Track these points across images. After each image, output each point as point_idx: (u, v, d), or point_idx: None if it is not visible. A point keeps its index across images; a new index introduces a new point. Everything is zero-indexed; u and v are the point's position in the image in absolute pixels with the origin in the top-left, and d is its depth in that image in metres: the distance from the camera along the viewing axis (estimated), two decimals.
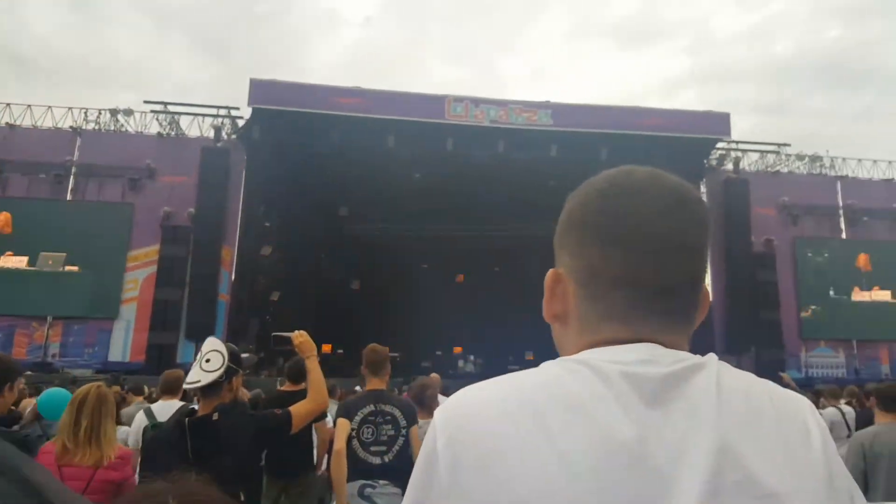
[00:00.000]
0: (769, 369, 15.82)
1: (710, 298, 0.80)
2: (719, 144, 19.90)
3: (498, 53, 68.35)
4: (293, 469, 4.69)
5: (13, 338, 18.61)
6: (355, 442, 3.62)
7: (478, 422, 0.64)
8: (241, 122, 19.26)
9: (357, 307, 21.03)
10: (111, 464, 2.80)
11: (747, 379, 0.69)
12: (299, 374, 4.93)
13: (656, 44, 66.35)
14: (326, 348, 19.70)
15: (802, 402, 0.70)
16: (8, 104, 19.68)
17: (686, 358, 0.67)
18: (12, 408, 5.08)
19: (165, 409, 4.37)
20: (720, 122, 19.25)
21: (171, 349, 18.26)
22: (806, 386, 15.68)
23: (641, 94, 64.20)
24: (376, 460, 3.55)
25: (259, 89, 18.49)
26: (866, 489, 3.31)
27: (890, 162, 20.96)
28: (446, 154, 19.03)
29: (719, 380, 0.65)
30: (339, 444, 3.52)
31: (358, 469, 3.54)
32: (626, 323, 0.69)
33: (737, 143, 20.14)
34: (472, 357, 21.08)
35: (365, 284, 22.03)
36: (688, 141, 19.04)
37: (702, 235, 0.73)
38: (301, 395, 4.81)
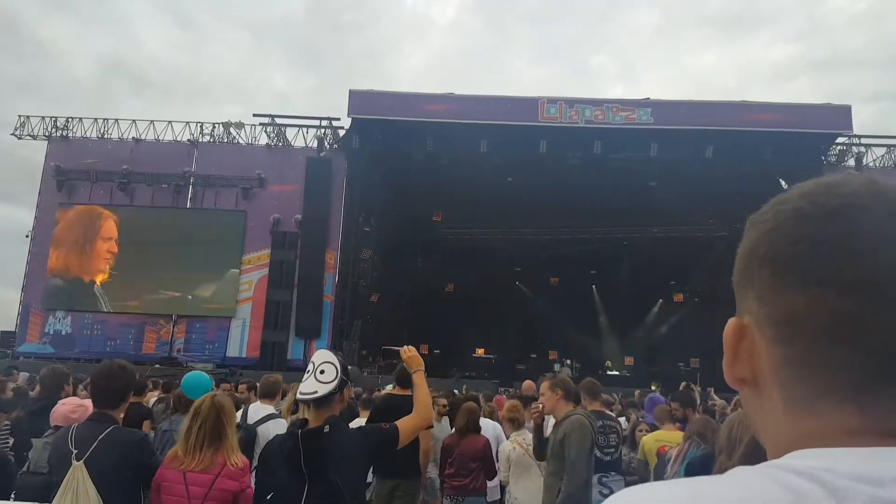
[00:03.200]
0: None
1: None
2: (839, 139, 18.44)
3: (587, 51, 65.85)
4: (403, 471, 4.86)
5: (143, 334, 20.57)
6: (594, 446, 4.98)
7: None
8: (341, 132, 20.05)
9: (452, 309, 21.48)
10: (230, 472, 2.83)
11: None
12: (407, 379, 5.06)
13: (760, 32, 60.16)
14: (423, 349, 20.33)
15: None
16: (133, 121, 21.57)
17: None
18: (143, 403, 5.68)
19: (257, 411, 4.74)
20: (840, 116, 17.79)
21: (282, 346, 19.58)
22: None
23: (746, 86, 59.25)
24: (606, 458, 4.78)
25: (357, 99, 19.16)
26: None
27: None
28: (540, 156, 18.89)
29: None
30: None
31: (597, 465, 4.76)
32: (856, 400, 0.49)
33: (859, 137, 18.55)
34: (568, 361, 20.95)
35: (459, 287, 22.42)
36: (803, 136, 17.77)
37: None
38: (409, 400, 5.10)
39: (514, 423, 5.27)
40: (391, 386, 5.68)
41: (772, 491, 0.44)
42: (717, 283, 19.54)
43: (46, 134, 21.42)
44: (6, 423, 3.82)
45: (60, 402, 3.84)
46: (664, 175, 18.56)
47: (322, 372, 2.57)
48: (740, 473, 0.48)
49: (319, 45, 59.47)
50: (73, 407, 3.63)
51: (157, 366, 17.77)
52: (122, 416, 3.08)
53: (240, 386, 7.58)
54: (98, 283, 20.59)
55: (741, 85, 57.32)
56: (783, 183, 18.45)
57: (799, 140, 17.73)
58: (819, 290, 0.49)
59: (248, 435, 4.11)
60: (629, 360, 20.89)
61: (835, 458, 0.46)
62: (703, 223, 20.59)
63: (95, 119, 21.49)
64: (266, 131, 20.48)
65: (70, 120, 21.55)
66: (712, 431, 3.89)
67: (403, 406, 4.84)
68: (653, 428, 5.53)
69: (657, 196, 19.11)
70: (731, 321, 0.56)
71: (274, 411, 4.89)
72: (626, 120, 18.64)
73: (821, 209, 0.51)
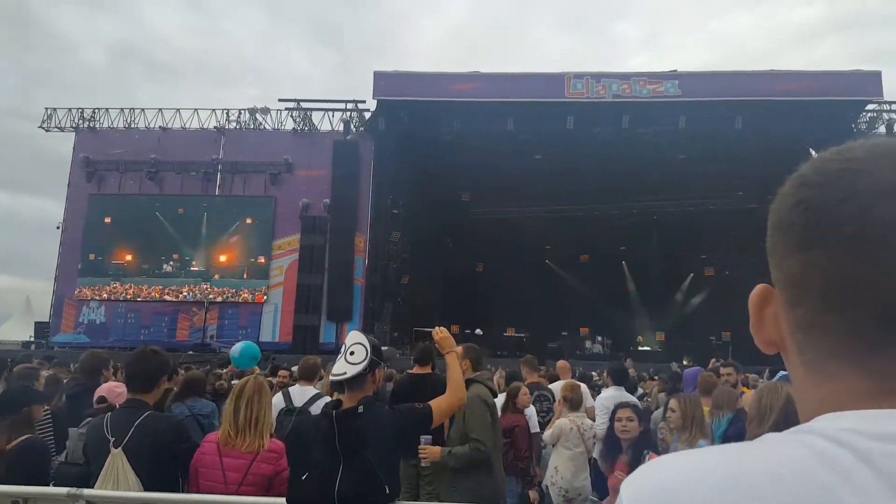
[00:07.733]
0: None
1: None
2: (869, 106, 18.35)
3: (610, 17, 64.74)
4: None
5: (177, 321, 20.76)
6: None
7: None
8: (367, 115, 20.10)
9: (482, 288, 21.55)
10: (266, 456, 2.90)
11: None
12: (425, 357, 5.23)
13: None
14: (454, 329, 20.42)
15: None
16: (160, 110, 21.67)
17: None
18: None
19: (302, 394, 4.67)
20: (870, 82, 17.69)
21: (314, 330, 19.73)
22: None
23: (773, 51, 57.71)
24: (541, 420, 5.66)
25: (382, 81, 19.18)
26: None
27: None
28: (567, 133, 18.88)
29: None
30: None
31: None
32: (860, 360, 0.49)
33: (889, 103, 18.47)
34: (599, 338, 20.99)
35: (489, 266, 22.48)
36: (833, 104, 17.69)
37: None
38: (429, 377, 5.05)
39: (571, 403, 5.17)
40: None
41: (801, 455, 0.45)
42: (749, 256, 19.53)
43: (73, 125, 21.58)
44: (46, 412, 3.64)
45: (110, 384, 3.86)
46: (693, 148, 18.54)
47: (352, 353, 2.58)
48: (769, 439, 0.48)
49: (335, 22, 59.27)
50: (116, 384, 3.72)
51: (191, 352, 17.97)
52: (154, 400, 3.11)
53: (280, 371, 7.23)
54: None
55: (768, 50, 56.07)
56: (814, 153, 18.35)
57: (829, 108, 17.65)
58: (812, 253, 0.50)
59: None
60: (660, 336, 20.96)
61: (858, 420, 0.47)
62: (733, 195, 20.57)
63: (122, 109, 21.64)
64: (292, 116, 20.56)
65: (96, 111, 21.70)
66: (727, 397, 3.96)
67: (423, 384, 4.90)
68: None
69: (686, 169, 19.10)
70: (758, 287, 0.57)
71: (317, 391, 4.85)
72: (653, 93, 18.60)
73: (820, 175, 0.52)
